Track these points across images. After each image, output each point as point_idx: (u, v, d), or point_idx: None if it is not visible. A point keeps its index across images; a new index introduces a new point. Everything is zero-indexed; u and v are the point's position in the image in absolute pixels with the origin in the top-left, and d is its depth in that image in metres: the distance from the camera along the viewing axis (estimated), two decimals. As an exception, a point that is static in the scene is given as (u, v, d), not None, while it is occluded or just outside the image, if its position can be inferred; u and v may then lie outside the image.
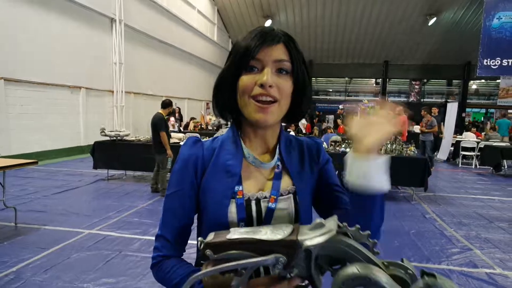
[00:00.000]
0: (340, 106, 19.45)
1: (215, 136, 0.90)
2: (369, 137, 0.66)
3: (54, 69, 8.68)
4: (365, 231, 0.62)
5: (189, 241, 0.86)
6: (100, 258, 3.25)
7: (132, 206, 4.96)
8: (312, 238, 0.60)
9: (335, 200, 0.87)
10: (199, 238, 0.67)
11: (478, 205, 5.66)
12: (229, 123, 0.88)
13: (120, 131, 6.81)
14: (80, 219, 4.34)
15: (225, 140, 0.84)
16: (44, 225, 4.07)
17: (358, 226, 0.62)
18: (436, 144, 9.48)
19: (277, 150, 0.84)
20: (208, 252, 0.63)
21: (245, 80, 0.74)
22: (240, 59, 0.75)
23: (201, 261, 0.68)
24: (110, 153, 6.51)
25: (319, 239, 0.59)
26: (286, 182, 0.83)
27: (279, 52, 0.75)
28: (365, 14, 17.92)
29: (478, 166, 9.87)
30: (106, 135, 6.57)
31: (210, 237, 0.65)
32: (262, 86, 0.72)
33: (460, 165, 10.11)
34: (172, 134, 7.62)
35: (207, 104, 19.06)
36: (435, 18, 17.28)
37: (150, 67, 13.05)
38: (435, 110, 9.44)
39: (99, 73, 10.41)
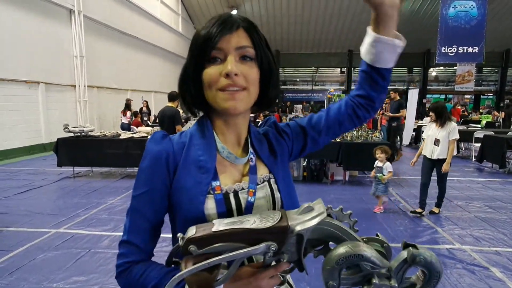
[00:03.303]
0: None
1: (182, 130, 0.86)
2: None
3: (7, 63, 8.18)
4: (347, 211, 0.64)
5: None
6: (69, 257, 3.17)
7: (100, 202, 4.84)
8: (303, 222, 0.60)
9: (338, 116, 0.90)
10: (179, 235, 0.62)
11: (439, 185, 5.97)
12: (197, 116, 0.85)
13: (84, 127, 6.58)
14: (46, 218, 4.19)
15: (194, 134, 0.80)
16: (6, 227, 3.90)
17: (341, 207, 0.64)
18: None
19: (249, 143, 0.83)
20: (192, 247, 0.58)
21: (210, 72, 0.71)
22: (201, 51, 0.71)
23: (173, 259, 0.64)
24: (75, 149, 6.29)
25: (312, 222, 0.60)
26: (261, 172, 0.81)
27: (240, 38, 0.71)
28: (328, 4, 18.17)
29: (438, 149, 10.35)
30: (70, 131, 6.34)
31: (192, 231, 0.61)
32: (227, 76, 0.69)
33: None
34: (140, 128, 7.49)
35: (175, 96, 18.71)
36: (395, 8, 17.78)
37: (114, 59, 12.62)
38: (395, 95, 9.12)
39: (59, 67, 9.95)
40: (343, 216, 0.65)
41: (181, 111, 5.66)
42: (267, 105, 0.83)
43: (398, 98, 8.67)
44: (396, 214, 4.49)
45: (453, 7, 12.55)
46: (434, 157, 4.27)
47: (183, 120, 6.36)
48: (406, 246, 0.62)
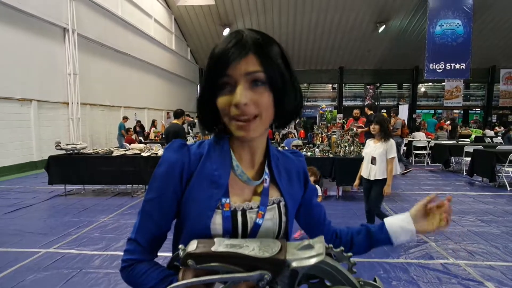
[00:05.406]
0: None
1: (201, 140, 0.87)
2: (425, 225, 0.91)
3: (0, 81, 8.18)
4: (347, 252, 0.66)
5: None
6: (59, 278, 3.10)
7: (92, 221, 4.77)
8: (300, 259, 0.61)
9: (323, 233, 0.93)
10: (180, 246, 0.65)
11: (431, 200, 6.01)
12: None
13: (77, 144, 6.53)
14: (36, 238, 4.11)
15: (212, 147, 0.81)
16: (-5, 247, 3.81)
17: (342, 248, 0.65)
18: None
19: (265, 166, 0.83)
20: (190, 262, 0.61)
21: (221, 101, 0.71)
22: (212, 78, 0.72)
23: (175, 263, 0.67)
24: (67, 167, 6.22)
25: (309, 262, 0.61)
26: (272, 194, 0.82)
27: (248, 64, 0.69)
28: (319, 22, 18.57)
29: (429, 164, 10.50)
30: (62, 149, 6.28)
31: (193, 246, 0.63)
32: (237, 106, 0.69)
33: (413, 163, 10.68)
34: (133, 145, 7.46)
35: (168, 113, 18.77)
36: (384, 26, 18.25)
37: (107, 77, 12.65)
38: (367, 111, 9.15)
39: (52, 85, 9.94)
40: (343, 257, 0.65)
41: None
42: (287, 121, 0.81)
43: (370, 112, 8.88)
44: (390, 229, 4.48)
45: (439, 26, 12.90)
46: (371, 177, 3.90)
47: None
48: None
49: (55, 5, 9.83)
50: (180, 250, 0.64)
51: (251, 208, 0.78)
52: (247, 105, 0.69)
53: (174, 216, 0.80)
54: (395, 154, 3.82)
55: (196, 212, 0.75)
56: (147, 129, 13.93)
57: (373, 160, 3.86)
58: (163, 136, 11.88)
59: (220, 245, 0.63)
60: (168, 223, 0.80)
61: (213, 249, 0.62)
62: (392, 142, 3.87)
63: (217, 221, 0.74)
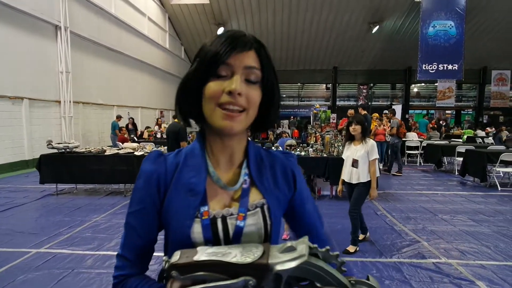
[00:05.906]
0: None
1: (179, 149, 0.85)
2: None
3: (-9, 79, 8.06)
4: (334, 252, 0.63)
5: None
6: (50, 278, 3.07)
7: (84, 220, 4.73)
8: (283, 262, 0.60)
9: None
10: (164, 258, 0.64)
11: (423, 200, 6.07)
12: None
13: (69, 143, 6.47)
14: (27, 238, 4.06)
15: (189, 154, 0.79)
16: (-15, 247, 3.76)
17: (328, 247, 0.63)
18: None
19: (244, 165, 0.80)
20: (174, 273, 0.61)
21: (213, 87, 0.70)
22: (209, 64, 0.70)
23: (164, 275, 0.66)
24: (59, 166, 6.16)
25: (290, 264, 0.59)
26: (253, 197, 0.79)
27: (249, 59, 0.71)
28: (313, 22, 18.61)
29: (422, 164, 10.58)
30: (53, 148, 6.21)
31: (176, 257, 0.63)
32: (230, 93, 0.68)
33: (405, 163, 10.75)
34: (126, 144, 7.41)
35: (161, 112, 18.69)
36: (378, 26, 18.35)
37: (100, 75, 12.55)
38: (361, 111, 9.34)
39: (44, 83, 9.83)
40: (330, 257, 0.63)
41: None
42: (266, 127, 0.82)
43: (364, 112, 8.92)
44: (383, 229, 4.52)
45: (432, 27, 13.00)
46: (354, 181, 3.76)
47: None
48: None
49: (47, 2, 9.73)
50: (164, 262, 0.63)
51: (232, 214, 0.75)
52: (241, 95, 0.69)
53: (158, 227, 0.79)
54: (377, 155, 3.75)
55: (175, 222, 0.74)
56: (141, 128, 13.88)
57: (354, 163, 3.74)
58: (156, 135, 11.87)
59: (202, 254, 0.62)
60: (153, 235, 0.79)
61: (195, 258, 0.61)
62: (372, 143, 3.77)
63: (196, 230, 0.72)
